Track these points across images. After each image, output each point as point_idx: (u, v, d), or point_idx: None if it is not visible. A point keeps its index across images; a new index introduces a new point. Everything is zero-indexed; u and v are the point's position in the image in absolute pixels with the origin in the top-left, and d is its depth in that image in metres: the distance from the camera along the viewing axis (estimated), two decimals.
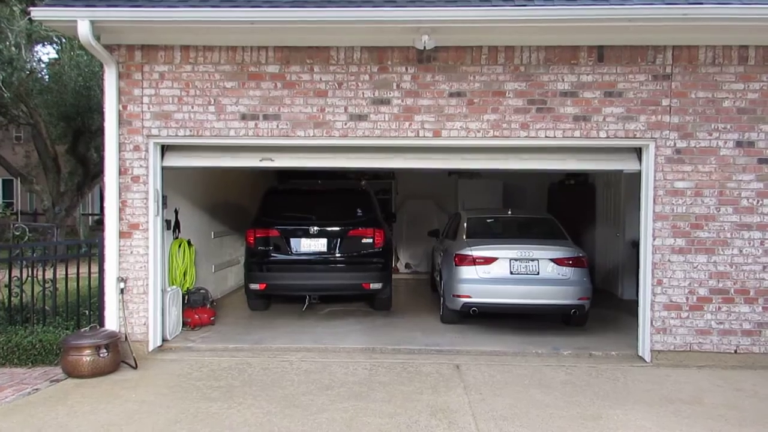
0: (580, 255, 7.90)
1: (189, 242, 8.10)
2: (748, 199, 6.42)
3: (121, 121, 6.60)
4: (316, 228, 8.72)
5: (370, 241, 8.83)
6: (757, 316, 6.44)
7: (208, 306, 8.20)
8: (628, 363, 6.52)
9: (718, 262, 6.45)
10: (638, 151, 6.70)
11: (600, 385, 5.76)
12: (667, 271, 6.48)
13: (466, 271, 7.84)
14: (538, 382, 5.79)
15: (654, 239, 6.49)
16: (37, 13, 6.08)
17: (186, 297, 7.93)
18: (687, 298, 6.48)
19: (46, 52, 16.34)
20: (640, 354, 6.68)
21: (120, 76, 6.58)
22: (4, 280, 7.05)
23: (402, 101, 6.55)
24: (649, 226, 6.53)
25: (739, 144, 6.41)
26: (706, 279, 6.47)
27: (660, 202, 6.47)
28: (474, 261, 7.83)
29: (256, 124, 6.59)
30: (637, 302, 6.84)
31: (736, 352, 6.45)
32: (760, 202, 6.41)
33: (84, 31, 5.89)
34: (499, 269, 7.78)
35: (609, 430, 4.64)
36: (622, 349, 6.88)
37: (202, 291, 8.25)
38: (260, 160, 6.95)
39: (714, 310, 6.46)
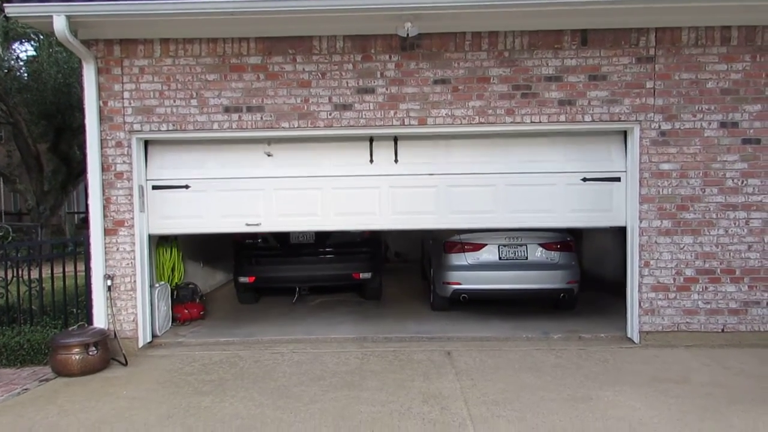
0: (568, 239, 7.95)
1: (176, 237, 8.04)
2: (732, 180, 6.47)
3: (102, 117, 6.53)
4: None
5: (359, 230, 8.82)
6: (743, 295, 6.51)
7: (198, 301, 8.18)
8: (617, 345, 6.57)
9: (704, 242, 6.51)
10: (623, 135, 6.73)
11: (590, 367, 5.80)
12: (654, 252, 6.53)
13: (456, 258, 7.87)
14: (529, 366, 5.83)
15: (641, 221, 6.53)
16: (12, 9, 5.96)
17: (175, 292, 7.89)
18: (674, 279, 6.53)
19: (24, 50, 16.13)
20: (629, 335, 6.74)
21: (99, 72, 6.50)
22: None
23: (387, 90, 6.51)
24: (636, 209, 6.56)
25: (723, 125, 6.44)
26: (692, 260, 6.52)
27: (646, 185, 6.50)
28: (463, 248, 7.86)
29: (239, 117, 6.54)
30: (625, 284, 6.88)
31: (723, 331, 6.52)
32: (745, 182, 6.46)
33: (60, 26, 5.80)
34: (489, 255, 7.82)
35: (599, 411, 4.67)
36: (611, 331, 6.94)
37: (190, 286, 8.22)
38: (246, 225, 6.94)
39: (701, 290, 6.53)
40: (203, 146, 6.88)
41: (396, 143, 6.82)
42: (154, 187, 6.86)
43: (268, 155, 6.84)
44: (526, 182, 6.79)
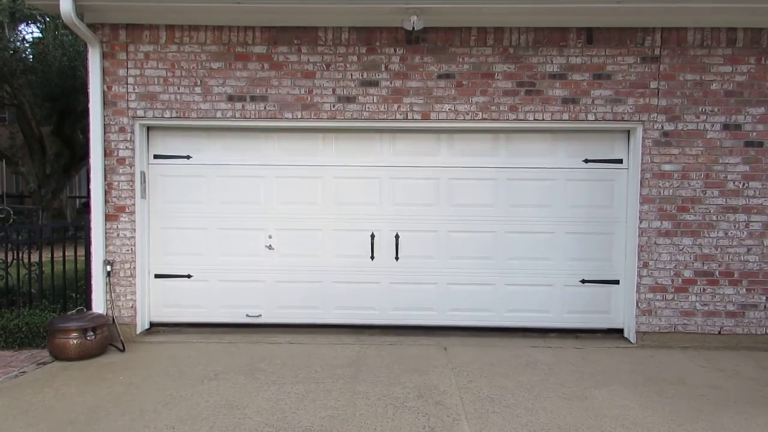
0: None
1: None
2: (734, 182, 6.46)
3: (106, 102, 6.53)
4: None
5: None
6: (740, 298, 6.52)
7: None
8: (614, 344, 6.58)
9: (704, 244, 6.51)
10: (626, 134, 6.72)
11: (585, 366, 5.82)
12: (654, 253, 6.53)
13: None
14: (525, 364, 5.85)
15: (640, 222, 6.53)
16: None
17: None
18: (672, 281, 6.54)
19: (30, 32, 16.07)
20: (626, 335, 6.76)
21: (104, 56, 6.50)
22: None
23: (390, 83, 6.50)
24: (636, 209, 6.56)
25: (726, 127, 6.43)
26: (691, 261, 6.53)
27: (647, 185, 6.49)
28: None
29: (243, 106, 6.54)
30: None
31: (719, 333, 6.54)
32: (746, 184, 6.46)
33: (67, 9, 5.81)
34: None
35: (593, 410, 4.69)
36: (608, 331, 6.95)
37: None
38: (246, 315, 6.99)
39: (699, 291, 6.54)
40: (205, 232, 6.94)
41: (397, 240, 6.88)
42: (157, 276, 6.95)
43: (270, 248, 6.94)
44: (522, 282, 6.93)
